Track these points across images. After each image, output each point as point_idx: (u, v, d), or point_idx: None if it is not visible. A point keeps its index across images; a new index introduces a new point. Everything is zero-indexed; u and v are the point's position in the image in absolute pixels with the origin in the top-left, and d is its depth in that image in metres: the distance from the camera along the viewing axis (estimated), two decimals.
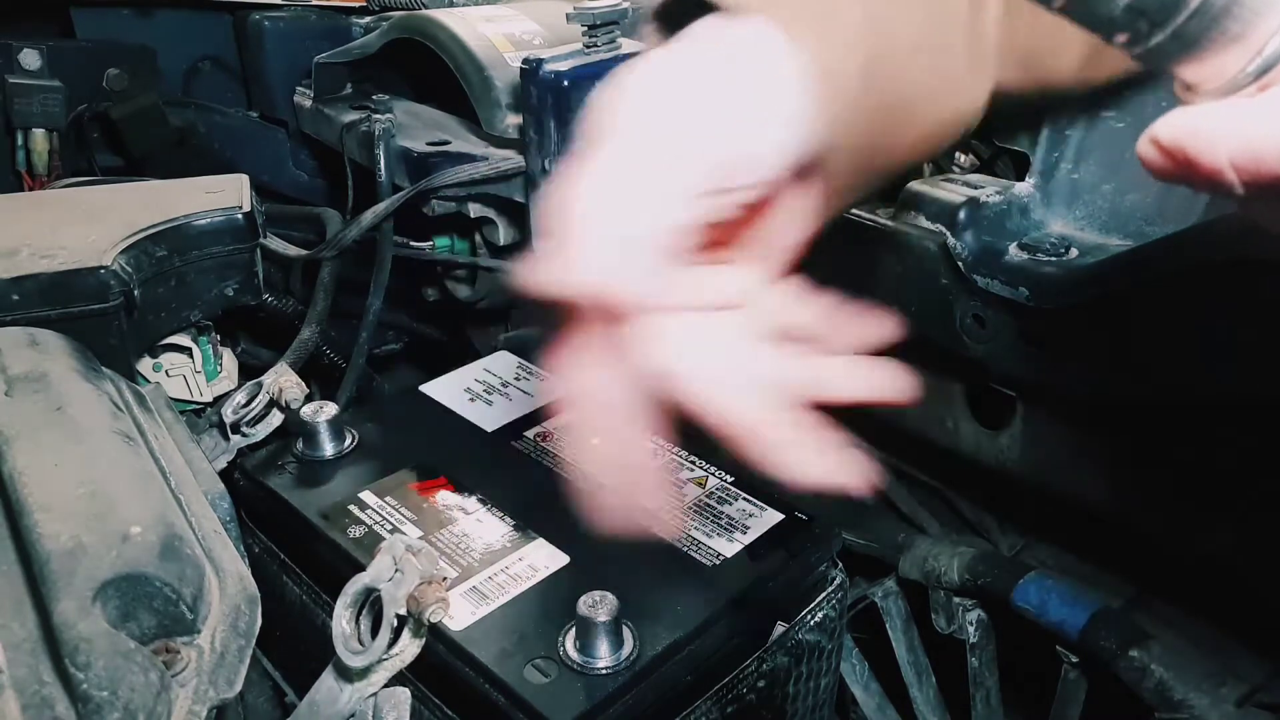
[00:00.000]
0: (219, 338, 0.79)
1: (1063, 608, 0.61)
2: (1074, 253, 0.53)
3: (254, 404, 0.66)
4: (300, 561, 0.58)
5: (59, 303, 0.62)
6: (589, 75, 0.70)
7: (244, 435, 0.66)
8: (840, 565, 0.58)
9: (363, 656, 0.47)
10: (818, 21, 0.36)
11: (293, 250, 0.90)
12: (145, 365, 0.74)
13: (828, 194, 0.39)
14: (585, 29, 0.71)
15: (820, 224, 0.40)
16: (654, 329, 0.35)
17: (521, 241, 0.86)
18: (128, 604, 0.39)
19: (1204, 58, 0.27)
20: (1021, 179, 0.59)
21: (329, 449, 0.62)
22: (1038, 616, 0.62)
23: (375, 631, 0.47)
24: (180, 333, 0.75)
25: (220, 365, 0.79)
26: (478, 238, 0.92)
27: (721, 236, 0.39)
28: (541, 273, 0.33)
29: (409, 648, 0.48)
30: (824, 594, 0.57)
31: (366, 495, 0.58)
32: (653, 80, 0.35)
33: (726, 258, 0.40)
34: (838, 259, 0.63)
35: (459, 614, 0.50)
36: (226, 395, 0.69)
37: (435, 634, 0.49)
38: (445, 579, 0.49)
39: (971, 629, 0.69)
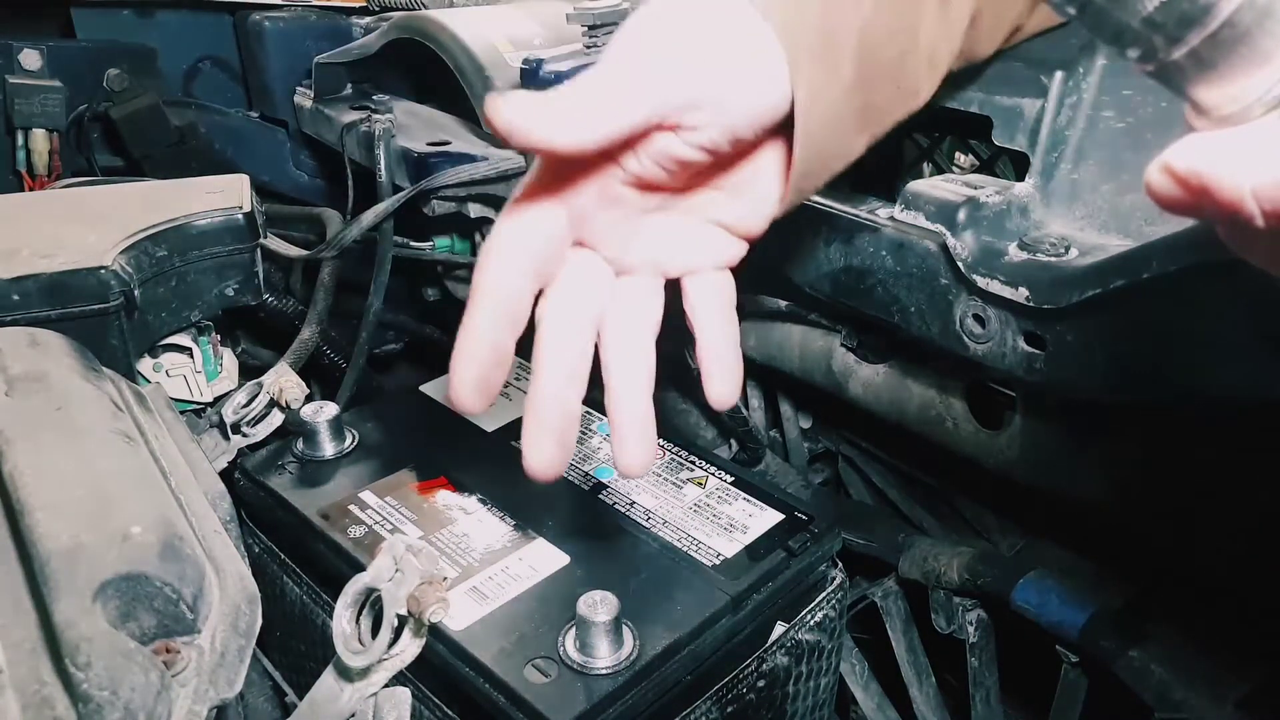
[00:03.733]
0: (219, 338, 0.79)
1: (1062, 607, 0.61)
2: (1074, 253, 0.53)
3: (254, 404, 0.66)
4: (300, 561, 0.58)
5: (59, 303, 0.62)
6: None
7: (244, 435, 0.66)
8: (840, 565, 0.58)
9: (363, 656, 0.47)
10: (785, 4, 0.42)
11: (293, 250, 0.90)
12: (145, 365, 0.74)
13: (801, 161, 0.43)
14: (585, 29, 0.71)
15: (796, 193, 0.45)
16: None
17: None
18: (128, 604, 0.39)
19: (1224, 79, 0.25)
20: (1021, 179, 0.58)
21: (329, 449, 0.62)
22: (1037, 616, 0.62)
23: (375, 631, 0.47)
24: (180, 333, 0.75)
25: (220, 365, 0.79)
26: (478, 238, 0.92)
27: (700, 175, 0.44)
28: (513, 111, 0.37)
29: (409, 647, 0.48)
30: (824, 594, 0.57)
31: (366, 495, 0.58)
32: (658, 17, 0.41)
33: (705, 198, 0.46)
34: (837, 258, 0.63)
35: (459, 614, 0.50)
36: (227, 395, 0.69)
37: (435, 634, 0.49)
38: (445, 579, 0.49)
39: (971, 629, 0.69)
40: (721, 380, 0.46)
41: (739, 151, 0.43)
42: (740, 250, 0.48)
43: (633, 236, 0.45)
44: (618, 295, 0.46)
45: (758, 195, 0.46)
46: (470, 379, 0.42)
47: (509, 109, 0.37)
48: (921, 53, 0.48)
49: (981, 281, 0.54)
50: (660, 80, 0.39)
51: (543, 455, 0.43)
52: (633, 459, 0.45)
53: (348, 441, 0.63)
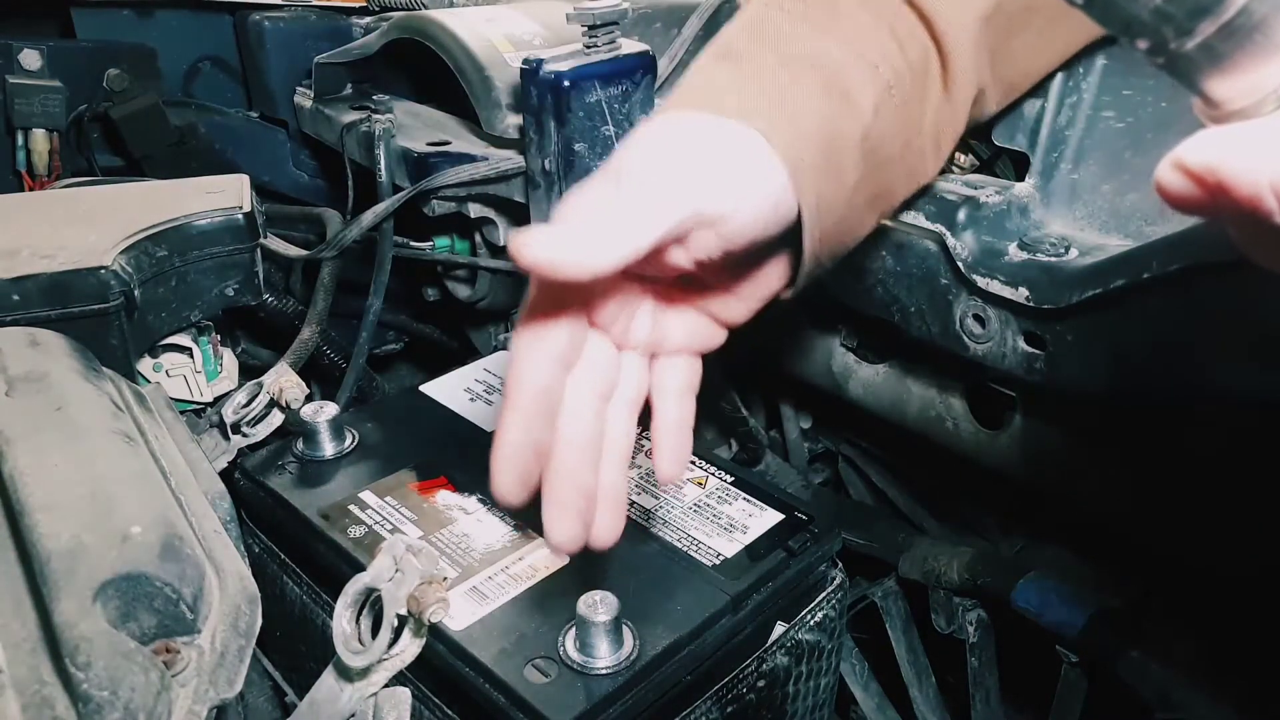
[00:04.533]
0: (219, 338, 0.79)
1: (1062, 608, 0.61)
2: (1074, 252, 0.53)
3: (254, 404, 0.66)
4: (300, 561, 0.58)
5: (59, 303, 0.62)
6: (589, 75, 0.70)
7: (244, 435, 0.66)
8: (840, 565, 0.58)
9: (363, 656, 0.47)
10: (785, 120, 0.44)
11: (293, 250, 0.90)
12: (145, 365, 0.74)
13: (809, 263, 0.46)
14: (585, 29, 0.71)
15: (805, 282, 0.48)
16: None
17: None
18: (128, 604, 0.39)
19: (1237, 70, 0.24)
20: (1021, 179, 0.58)
21: (329, 449, 0.62)
22: (1038, 616, 0.62)
23: (376, 631, 0.47)
24: (180, 333, 0.75)
25: (220, 365, 0.79)
26: (478, 238, 0.92)
27: (708, 282, 0.47)
28: (538, 248, 0.38)
29: (409, 648, 0.48)
30: (824, 594, 0.57)
31: (366, 495, 0.58)
32: (665, 138, 0.43)
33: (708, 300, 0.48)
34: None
35: (459, 614, 0.50)
36: (227, 395, 0.69)
37: (435, 634, 0.49)
38: (445, 579, 0.49)
39: (971, 629, 0.69)
40: (669, 461, 0.47)
41: (741, 257, 0.45)
42: (720, 338, 0.49)
43: (632, 321, 0.46)
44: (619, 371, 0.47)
45: (753, 294, 0.48)
46: (512, 479, 0.43)
47: (534, 249, 0.37)
48: (926, 137, 0.50)
49: (981, 281, 0.54)
50: (668, 203, 0.40)
51: (564, 531, 0.44)
52: (599, 534, 0.46)
53: (348, 441, 0.63)
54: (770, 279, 0.48)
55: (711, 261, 0.44)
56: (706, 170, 0.42)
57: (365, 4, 1.12)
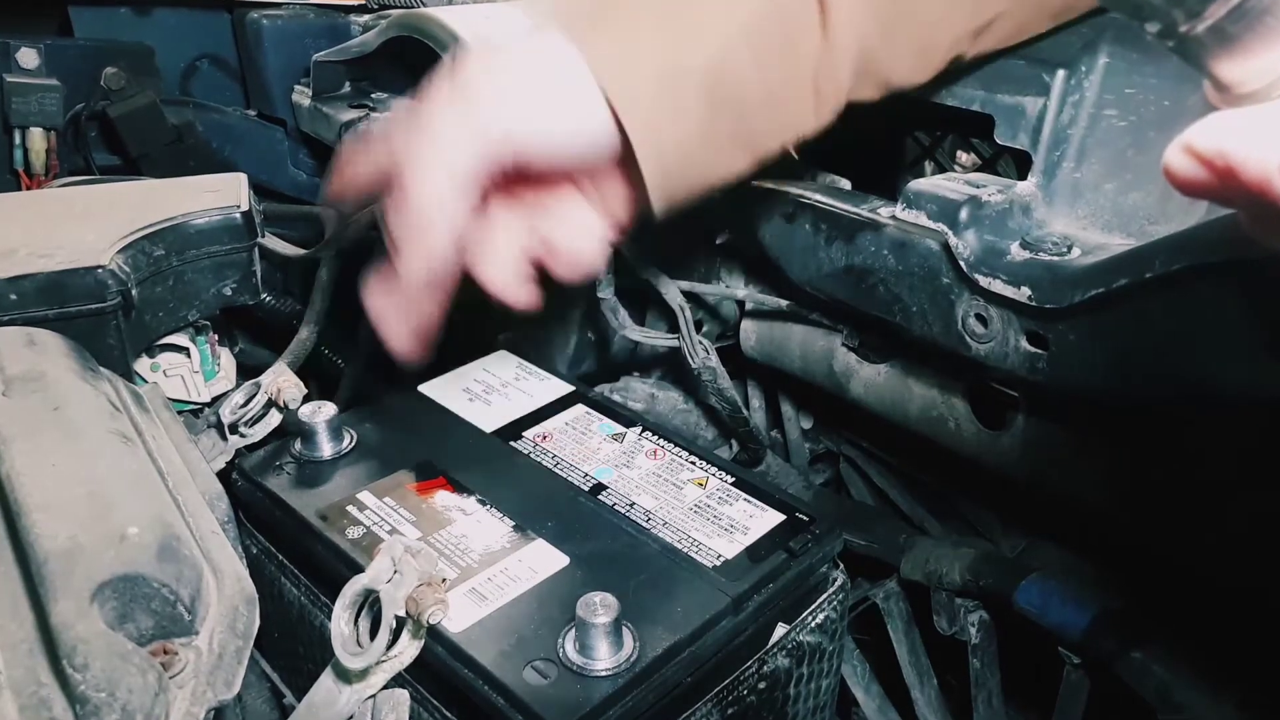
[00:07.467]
0: (217, 337, 0.79)
1: (1064, 609, 0.61)
2: (1076, 252, 0.53)
3: (252, 404, 0.65)
4: (298, 562, 0.58)
5: (56, 302, 0.62)
6: None
7: (242, 435, 0.65)
8: (841, 566, 0.58)
9: (361, 658, 0.47)
10: (616, 45, 0.47)
11: (291, 249, 0.89)
12: (143, 365, 0.74)
13: (656, 186, 0.49)
14: None
15: (665, 206, 0.51)
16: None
17: None
18: (125, 605, 0.39)
19: (1247, 53, 0.24)
20: (1023, 178, 0.58)
21: (327, 449, 0.62)
22: (1040, 617, 0.62)
23: (374, 633, 0.47)
24: (178, 332, 0.74)
25: (218, 365, 0.78)
26: None
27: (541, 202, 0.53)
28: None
29: (408, 649, 0.48)
30: (825, 595, 0.57)
31: (365, 496, 0.58)
32: (480, 68, 0.50)
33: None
34: (839, 258, 0.63)
35: (458, 615, 0.49)
36: (224, 395, 0.69)
37: (434, 635, 0.48)
38: (444, 580, 0.49)
39: (973, 630, 0.69)
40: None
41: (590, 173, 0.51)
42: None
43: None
44: None
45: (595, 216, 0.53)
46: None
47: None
48: (803, 84, 0.50)
49: (984, 281, 0.54)
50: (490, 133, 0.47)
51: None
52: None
53: (346, 442, 0.63)
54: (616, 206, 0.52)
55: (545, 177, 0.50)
56: (526, 101, 0.47)
57: (364, 2, 1.12)
